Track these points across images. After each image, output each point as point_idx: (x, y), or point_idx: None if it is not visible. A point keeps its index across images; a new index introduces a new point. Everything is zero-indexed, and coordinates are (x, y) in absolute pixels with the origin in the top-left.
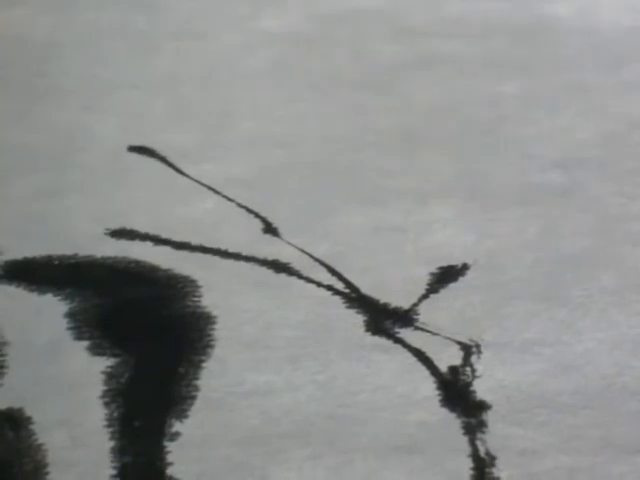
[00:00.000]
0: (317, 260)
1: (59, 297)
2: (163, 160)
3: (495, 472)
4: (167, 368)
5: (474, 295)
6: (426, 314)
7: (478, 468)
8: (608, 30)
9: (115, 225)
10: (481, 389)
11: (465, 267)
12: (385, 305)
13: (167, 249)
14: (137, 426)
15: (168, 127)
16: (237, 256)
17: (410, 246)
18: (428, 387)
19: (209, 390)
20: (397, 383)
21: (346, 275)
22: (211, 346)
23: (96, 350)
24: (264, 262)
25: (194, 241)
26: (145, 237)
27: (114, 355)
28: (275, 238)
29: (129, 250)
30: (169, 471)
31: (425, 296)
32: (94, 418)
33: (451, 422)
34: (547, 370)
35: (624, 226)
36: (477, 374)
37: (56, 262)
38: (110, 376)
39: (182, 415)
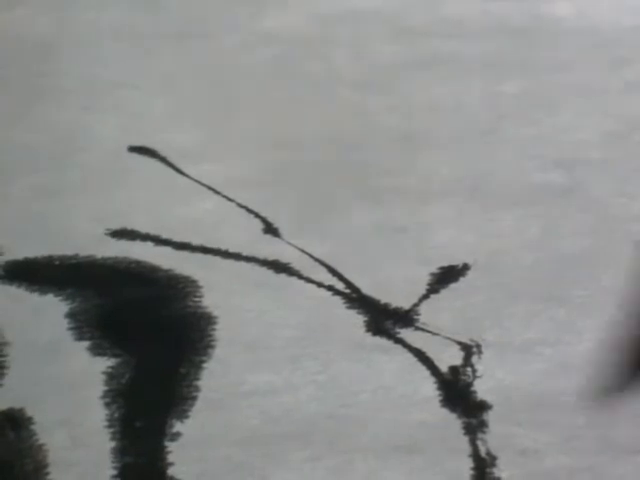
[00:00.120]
0: (317, 260)
1: (60, 297)
2: (163, 160)
3: (496, 472)
4: (168, 368)
5: (475, 295)
6: (427, 314)
7: (479, 468)
8: (608, 30)
9: (116, 225)
10: (482, 389)
11: (466, 267)
12: (386, 305)
13: (168, 249)
14: (138, 426)
15: (168, 127)
16: (237, 256)
17: (411, 246)
18: (429, 387)
19: (210, 390)
20: (398, 383)
21: (346, 275)
22: (212, 346)
23: (97, 350)
24: (264, 262)
25: (195, 241)
26: (146, 237)
27: (115, 355)
28: (275, 238)
29: (130, 250)
30: (170, 471)
31: (426, 296)
32: (95, 418)
33: (452, 422)
34: (548, 370)
35: (624, 226)
36: (478, 374)
37: (57, 262)
38: (111, 376)
39: (183, 415)
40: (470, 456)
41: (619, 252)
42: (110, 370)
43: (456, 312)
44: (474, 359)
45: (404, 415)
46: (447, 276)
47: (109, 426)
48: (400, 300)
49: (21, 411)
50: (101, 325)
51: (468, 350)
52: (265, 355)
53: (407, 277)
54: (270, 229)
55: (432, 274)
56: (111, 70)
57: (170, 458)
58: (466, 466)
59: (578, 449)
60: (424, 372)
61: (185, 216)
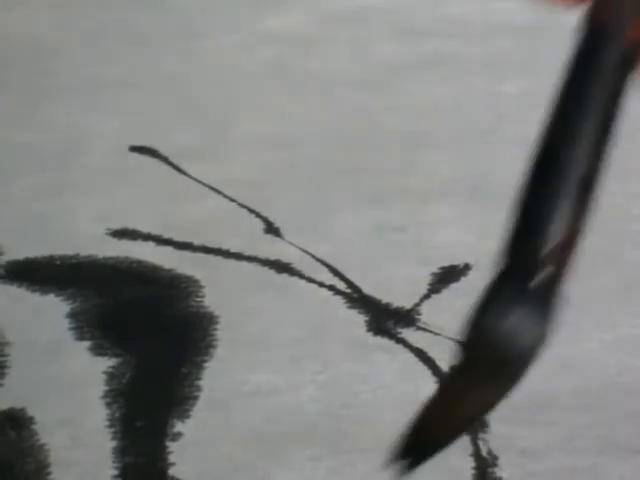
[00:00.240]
0: (319, 260)
1: (61, 297)
2: (165, 160)
3: (497, 472)
4: (169, 368)
5: (476, 295)
6: (428, 314)
7: (480, 468)
8: None
9: (117, 225)
10: None
11: (467, 267)
12: (387, 305)
13: (169, 249)
14: (139, 426)
15: (169, 127)
16: (239, 256)
17: (411, 246)
18: (430, 387)
19: (211, 390)
20: (399, 383)
21: (348, 275)
22: (213, 346)
23: (98, 350)
24: (266, 262)
25: (196, 241)
26: (147, 237)
27: (116, 355)
28: (277, 238)
29: (131, 250)
30: (171, 471)
31: (427, 296)
32: (96, 418)
33: None
34: (548, 370)
35: (624, 226)
36: None
37: (58, 262)
38: (112, 376)
39: (184, 415)
40: (471, 455)
41: (619, 252)
42: (111, 370)
43: (457, 312)
44: None
45: (405, 415)
46: (448, 276)
47: (110, 426)
48: (401, 300)
49: (22, 411)
50: (102, 325)
51: None
52: (266, 355)
53: (408, 277)
54: (271, 229)
55: (433, 274)
56: (111, 70)
57: (171, 458)
58: (467, 465)
59: (579, 449)
60: (425, 372)
61: (187, 216)
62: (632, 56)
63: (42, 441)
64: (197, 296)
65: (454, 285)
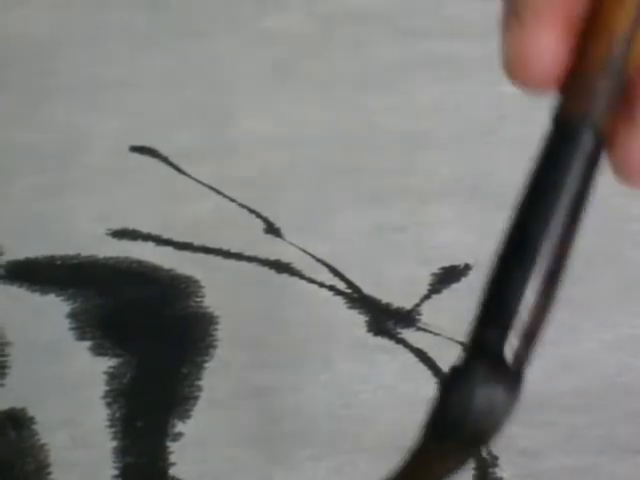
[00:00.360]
0: (319, 260)
1: (61, 297)
2: (165, 160)
3: (498, 472)
4: (169, 368)
5: (476, 295)
6: (428, 314)
7: (480, 468)
8: None
9: (117, 225)
10: None
11: (467, 267)
12: (387, 305)
13: (169, 249)
14: (139, 426)
15: (169, 127)
16: (239, 256)
17: (411, 246)
18: (430, 388)
19: (211, 390)
20: (399, 383)
21: (348, 275)
22: (213, 346)
23: (98, 350)
24: (266, 262)
25: (196, 241)
26: (147, 237)
27: (116, 355)
28: (277, 238)
29: (131, 250)
30: (171, 471)
31: (427, 296)
32: (96, 418)
33: None
34: (548, 370)
35: (624, 226)
36: None
37: (58, 262)
38: (112, 376)
39: (184, 415)
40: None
41: (619, 252)
42: (111, 370)
43: (457, 312)
44: None
45: (406, 415)
46: (448, 276)
47: (110, 426)
48: (401, 300)
49: (23, 411)
50: (102, 325)
51: None
52: (266, 355)
53: (408, 277)
54: (271, 229)
55: (433, 274)
56: (111, 70)
57: (172, 458)
58: (468, 466)
59: (580, 449)
60: (426, 372)
61: (187, 216)
62: (600, 154)
63: (42, 441)
64: (197, 296)
65: (454, 285)
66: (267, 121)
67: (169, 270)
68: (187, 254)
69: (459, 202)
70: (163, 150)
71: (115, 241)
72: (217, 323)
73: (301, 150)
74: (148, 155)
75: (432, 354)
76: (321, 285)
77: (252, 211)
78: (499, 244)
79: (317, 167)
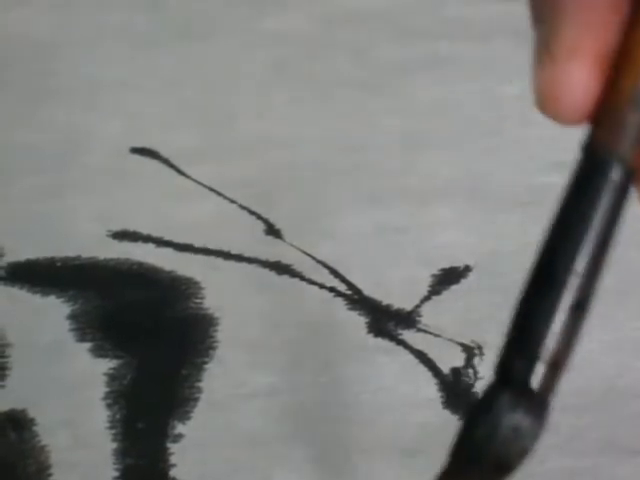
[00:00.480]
0: (319, 262)
1: (62, 299)
2: (165, 161)
3: None
4: (170, 370)
5: (476, 296)
6: (428, 316)
7: None
8: None
9: (117, 227)
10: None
11: (467, 269)
12: (387, 307)
13: (169, 251)
14: (140, 428)
15: (170, 128)
16: (239, 258)
17: (411, 247)
18: (430, 389)
19: (211, 392)
20: (399, 384)
21: (348, 277)
22: (214, 348)
23: (99, 352)
24: (266, 264)
25: (197, 243)
26: (147, 239)
27: (117, 357)
28: (277, 240)
29: (131, 252)
30: (172, 473)
31: (427, 298)
32: (97, 419)
33: (454, 423)
34: None
35: (624, 226)
36: (479, 376)
37: (59, 264)
38: (113, 378)
39: (185, 417)
40: None
41: (619, 252)
42: (112, 371)
43: (458, 313)
44: (476, 361)
45: (406, 416)
46: (448, 277)
47: (111, 427)
48: (402, 301)
49: (23, 412)
50: (103, 326)
51: (470, 352)
52: (267, 356)
53: (408, 278)
54: (272, 230)
55: (433, 275)
56: (111, 70)
57: (172, 459)
58: None
59: (580, 450)
60: (426, 373)
61: (187, 217)
62: (628, 187)
63: (43, 442)
64: (197, 297)
65: (454, 287)
66: (267, 121)
67: (169, 272)
68: (187, 255)
69: (459, 203)
70: (163, 151)
71: (115, 242)
72: (217, 324)
73: (301, 150)
74: (149, 156)
75: (432, 355)
76: (321, 287)
77: (252, 212)
78: (527, 273)
79: (317, 168)
